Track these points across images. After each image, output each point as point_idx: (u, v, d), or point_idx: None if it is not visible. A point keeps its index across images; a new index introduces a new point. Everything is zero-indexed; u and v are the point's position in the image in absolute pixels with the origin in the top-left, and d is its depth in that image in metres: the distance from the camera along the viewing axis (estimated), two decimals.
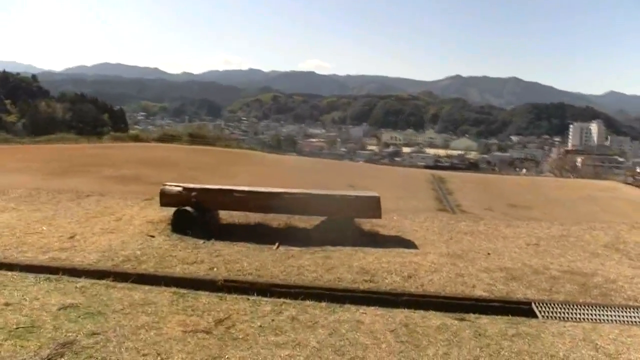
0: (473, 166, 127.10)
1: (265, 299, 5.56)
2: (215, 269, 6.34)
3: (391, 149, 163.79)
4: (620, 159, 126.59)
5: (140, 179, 13.62)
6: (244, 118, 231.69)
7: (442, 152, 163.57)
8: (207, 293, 5.60)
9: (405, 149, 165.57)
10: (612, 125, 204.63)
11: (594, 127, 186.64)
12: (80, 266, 6.22)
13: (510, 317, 5.45)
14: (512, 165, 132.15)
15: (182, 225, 7.63)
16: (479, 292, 5.99)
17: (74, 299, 5.21)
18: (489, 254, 7.39)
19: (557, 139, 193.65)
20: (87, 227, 7.85)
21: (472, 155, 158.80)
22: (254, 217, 8.49)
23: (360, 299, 5.77)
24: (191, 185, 7.97)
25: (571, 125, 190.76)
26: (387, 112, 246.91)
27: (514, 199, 15.29)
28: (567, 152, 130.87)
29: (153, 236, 7.47)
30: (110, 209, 9.04)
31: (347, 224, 7.67)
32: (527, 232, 8.72)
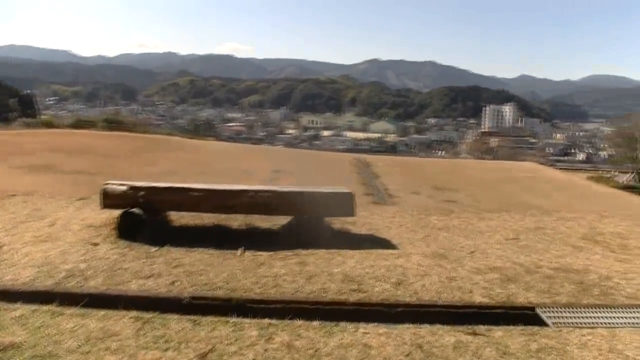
0: (392, 149, 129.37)
1: (247, 320, 4.71)
2: (177, 283, 5.42)
3: (310, 132, 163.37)
4: (533, 140, 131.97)
5: (53, 168, 12.42)
6: (161, 102, 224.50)
7: (361, 135, 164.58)
8: (176, 316, 4.69)
9: (325, 133, 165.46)
10: (524, 108, 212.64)
11: (507, 109, 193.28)
12: (14, 287, 5.14)
13: (523, 327, 4.89)
14: (430, 148, 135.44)
15: (129, 230, 6.62)
16: (479, 298, 5.42)
17: (14, 335, 4.17)
18: (472, 251, 6.85)
19: (472, 121, 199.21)
20: (15, 236, 6.68)
21: (391, 138, 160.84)
22: (208, 218, 7.57)
23: (354, 313, 5.05)
24: (139, 184, 6.94)
25: (486, 108, 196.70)
26: (306, 96, 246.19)
27: (439, 181, 15.34)
28: (483, 133, 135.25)
29: (97, 244, 6.43)
30: (41, 212, 7.85)
31: (317, 223, 6.88)
32: (501, 225, 8.27)
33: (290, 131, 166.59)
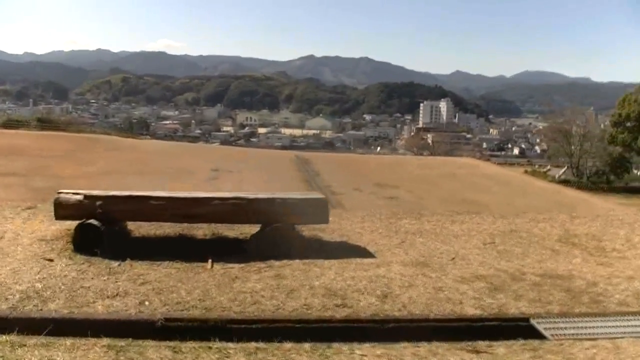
0: (329, 145, 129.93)
1: (232, 344, 4.26)
2: (147, 303, 4.92)
3: (247, 129, 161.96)
4: (469, 136, 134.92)
5: None
6: (93, 101, 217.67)
7: (297, 132, 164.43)
8: (152, 343, 4.19)
9: (261, 130, 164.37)
10: (459, 103, 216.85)
11: (443, 105, 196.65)
12: None
13: (523, 341, 4.65)
14: (366, 144, 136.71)
15: (87, 243, 6.04)
16: (470, 310, 5.16)
17: None
18: (453, 258, 6.60)
19: (408, 117, 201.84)
20: None
21: (328, 134, 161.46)
22: (170, 227, 7.05)
23: (343, 332, 4.69)
24: (95, 193, 6.36)
25: (421, 104, 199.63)
26: (241, 93, 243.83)
27: (380, 178, 15.40)
28: (419, 129, 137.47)
29: (52, 260, 5.83)
30: None
31: (288, 231, 6.46)
32: (475, 229, 8.08)
33: (226, 129, 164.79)
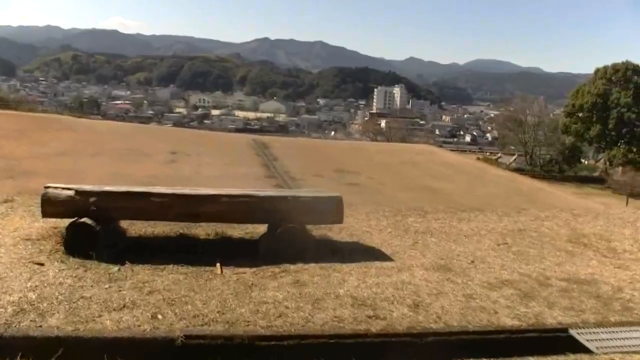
0: (283, 129, 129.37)
1: None
2: (160, 316, 4.38)
3: (200, 111, 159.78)
4: (422, 122, 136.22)
5: None
6: (42, 79, 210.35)
7: (251, 114, 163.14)
8: None
9: (215, 112, 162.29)
10: (412, 90, 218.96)
11: (396, 91, 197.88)
12: None
13: (573, 356, 4.35)
14: (321, 128, 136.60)
15: (80, 244, 5.42)
16: (507, 320, 4.83)
17: None
18: (472, 261, 6.26)
19: (362, 102, 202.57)
20: None
21: (282, 117, 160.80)
22: (167, 226, 6.45)
23: (381, 347, 4.29)
24: (88, 188, 5.70)
25: (376, 89, 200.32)
26: (194, 74, 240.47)
27: (340, 163, 15.33)
28: (373, 114, 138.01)
29: (42, 264, 5.19)
30: None
31: (300, 232, 5.97)
32: (483, 227, 7.78)
33: (179, 110, 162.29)
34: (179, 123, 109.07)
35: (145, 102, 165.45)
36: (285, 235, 5.79)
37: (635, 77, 59.82)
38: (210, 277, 5.23)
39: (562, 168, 61.04)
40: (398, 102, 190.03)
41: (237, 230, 6.49)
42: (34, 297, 4.50)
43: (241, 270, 5.44)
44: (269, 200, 5.85)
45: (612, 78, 60.21)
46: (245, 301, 4.73)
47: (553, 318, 4.95)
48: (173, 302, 4.62)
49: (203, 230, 6.39)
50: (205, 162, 13.80)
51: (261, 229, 6.29)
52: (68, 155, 12.65)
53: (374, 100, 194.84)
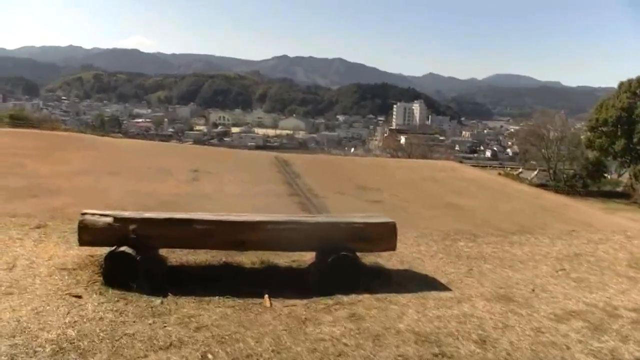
0: (302, 146, 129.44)
1: None
2: (210, 356, 4.03)
3: (220, 129, 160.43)
4: (441, 138, 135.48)
5: None
6: (64, 98, 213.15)
7: (271, 132, 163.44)
8: None
9: (234, 129, 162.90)
10: (431, 105, 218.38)
11: (416, 107, 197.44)
12: None
13: None
14: (340, 145, 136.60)
15: (119, 275, 5.09)
16: (581, 357, 4.44)
17: None
18: (533, 290, 5.84)
19: (381, 118, 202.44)
20: None
21: (301, 134, 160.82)
22: (210, 254, 6.12)
23: None
24: (127, 214, 5.40)
25: (395, 105, 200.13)
26: (214, 92, 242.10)
27: (361, 180, 15.18)
28: (392, 131, 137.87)
29: (80, 296, 4.87)
30: None
31: (352, 260, 5.57)
32: (537, 252, 7.38)
33: (199, 127, 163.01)
34: (199, 141, 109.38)
35: (165, 120, 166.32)
36: (336, 264, 5.42)
37: None
38: (260, 310, 4.89)
39: (586, 183, 59.97)
40: (417, 118, 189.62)
41: (283, 258, 6.13)
42: (73, 334, 4.17)
43: (291, 302, 5.09)
44: (318, 227, 5.49)
45: (637, 91, 59.19)
46: (300, 338, 4.37)
47: (630, 354, 4.56)
48: (223, 339, 4.27)
49: (247, 258, 6.05)
50: (227, 180, 13.60)
51: (308, 256, 5.95)
52: (90, 174, 12.51)
53: (393, 116, 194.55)
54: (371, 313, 4.91)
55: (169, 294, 5.07)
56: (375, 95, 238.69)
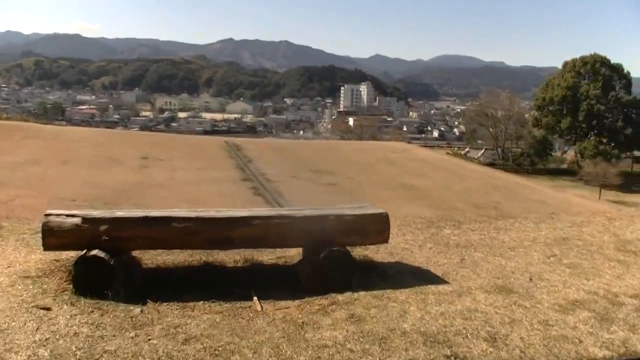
0: (251, 129, 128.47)
1: None
2: None
3: (166, 114, 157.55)
4: (389, 119, 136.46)
5: None
6: (4, 85, 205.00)
7: (218, 116, 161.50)
8: None
9: (181, 114, 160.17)
10: (379, 87, 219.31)
11: (363, 88, 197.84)
12: None
13: None
14: (289, 128, 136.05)
15: (92, 282, 4.59)
16: (596, 350, 4.26)
17: None
18: (530, 279, 5.61)
19: (329, 100, 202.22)
20: None
21: (249, 118, 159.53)
22: (189, 254, 5.64)
23: None
24: (97, 214, 4.87)
25: (342, 88, 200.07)
26: (160, 77, 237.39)
27: (315, 164, 15.23)
28: (340, 113, 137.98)
29: (49, 308, 4.35)
30: None
31: (342, 255, 5.18)
32: (524, 237, 7.19)
33: (145, 113, 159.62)
34: (146, 127, 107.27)
35: (110, 106, 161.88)
36: (329, 260, 5.04)
37: (604, 70, 60.59)
38: (251, 315, 4.47)
39: (533, 161, 61.39)
40: (365, 100, 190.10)
41: (267, 255, 5.71)
42: (46, 354, 3.69)
43: (283, 304, 4.70)
44: (306, 221, 5.09)
45: (581, 71, 60.81)
46: (301, 346, 3.99)
47: None
48: (217, 352, 3.85)
49: (229, 256, 5.59)
50: (179, 167, 13.21)
51: (293, 252, 5.56)
52: (37, 164, 11.88)
53: (341, 98, 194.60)
54: (371, 313, 4.57)
55: (148, 300, 4.60)
56: (322, 77, 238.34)
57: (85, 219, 4.75)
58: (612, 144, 59.11)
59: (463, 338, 4.23)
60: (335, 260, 5.04)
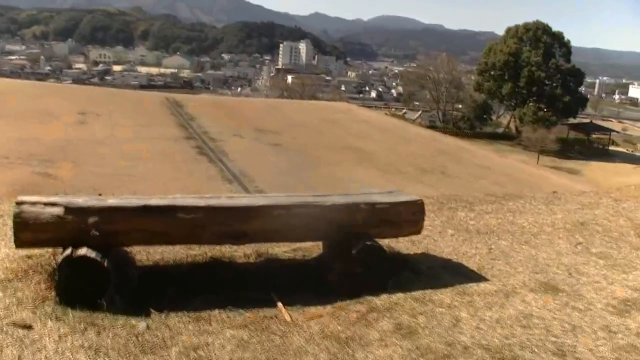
0: (187, 85, 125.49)
1: None
2: None
3: (101, 67, 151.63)
4: (328, 78, 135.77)
5: None
6: None
7: (154, 70, 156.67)
8: None
9: (116, 67, 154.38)
10: (318, 45, 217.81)
11: (302, 46, 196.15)
12: None
13: None
14: (226, 84, 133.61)
15: (81, 288, 3.71)
16: None
17: None
18: (570, 274, 5.08)
19: (267, 57, 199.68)
20: None
21: (186, 73, 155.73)
22: (186, 249, 4.78)
23: None
24: (82, 202, 3.92)
25: (281, 45, 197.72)
26: (94, 28, 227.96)
27: (258, 123, 15.07)
28: (279, 70, 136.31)
29: (29, 327, 3.42)
30: None
31: (377, 249, 4.45)
32: (543, 222, 6.64)
33: (78, 66, 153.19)
34: (79, 80, 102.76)
35: (42, 57, 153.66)
36: (362, 255, 4.32)
37: (545, 37, 61.51)
38: (282, 328, 3.71)
39: (473, 125, 62.22)
40: (304, 58, 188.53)
41: (282, 248, 4.90)
42: None
43: (314, 311, 3.97)
44: (335, 210, 4.32)
45: (523, 37, 61.61)
46: None
47: None
48: None
49: (239, 250, 4.76)
50: (118, 123, 12.38)
51: (310, 243, 4.80)
52: None
53: (280, 55, 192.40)
54: (420, 322, 3.89)
55: (151, 310, 3.77)
56: (261, 34, 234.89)
57: (68, 209, 3.82)
58: (551, 111, 60.47)
59: (530, 352, 3.64)
60: (370, 256, 4.32)
